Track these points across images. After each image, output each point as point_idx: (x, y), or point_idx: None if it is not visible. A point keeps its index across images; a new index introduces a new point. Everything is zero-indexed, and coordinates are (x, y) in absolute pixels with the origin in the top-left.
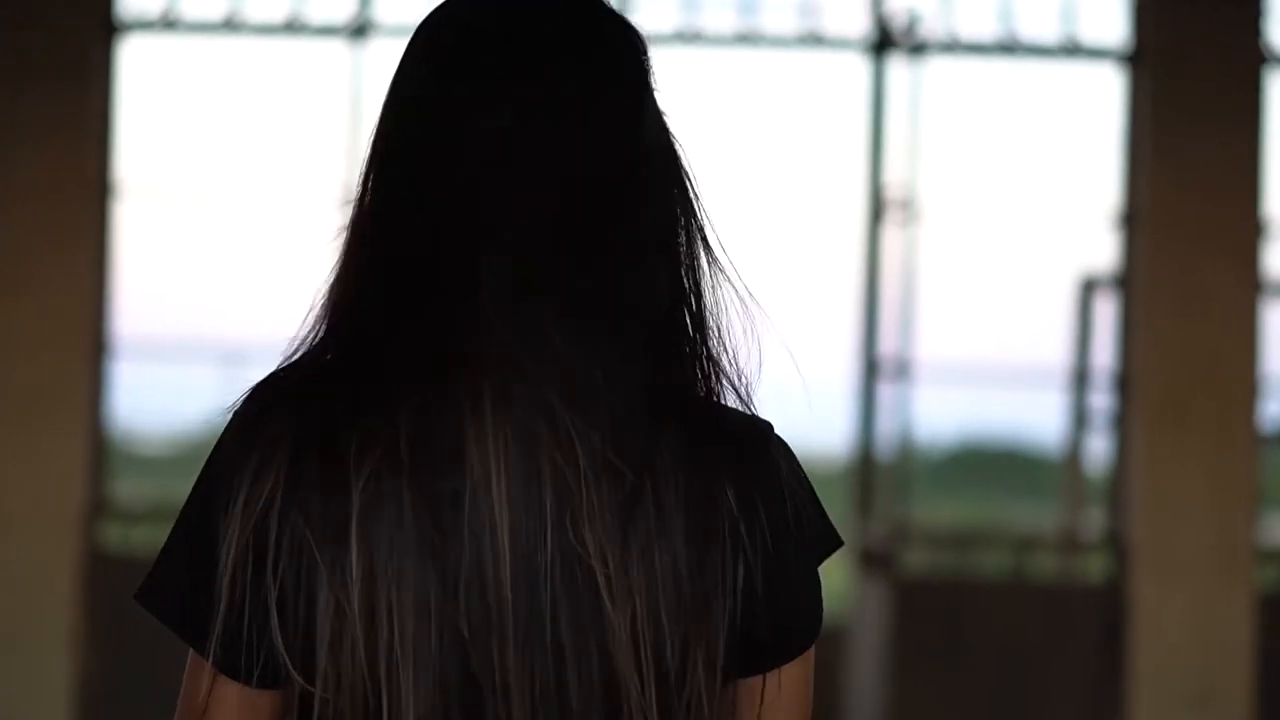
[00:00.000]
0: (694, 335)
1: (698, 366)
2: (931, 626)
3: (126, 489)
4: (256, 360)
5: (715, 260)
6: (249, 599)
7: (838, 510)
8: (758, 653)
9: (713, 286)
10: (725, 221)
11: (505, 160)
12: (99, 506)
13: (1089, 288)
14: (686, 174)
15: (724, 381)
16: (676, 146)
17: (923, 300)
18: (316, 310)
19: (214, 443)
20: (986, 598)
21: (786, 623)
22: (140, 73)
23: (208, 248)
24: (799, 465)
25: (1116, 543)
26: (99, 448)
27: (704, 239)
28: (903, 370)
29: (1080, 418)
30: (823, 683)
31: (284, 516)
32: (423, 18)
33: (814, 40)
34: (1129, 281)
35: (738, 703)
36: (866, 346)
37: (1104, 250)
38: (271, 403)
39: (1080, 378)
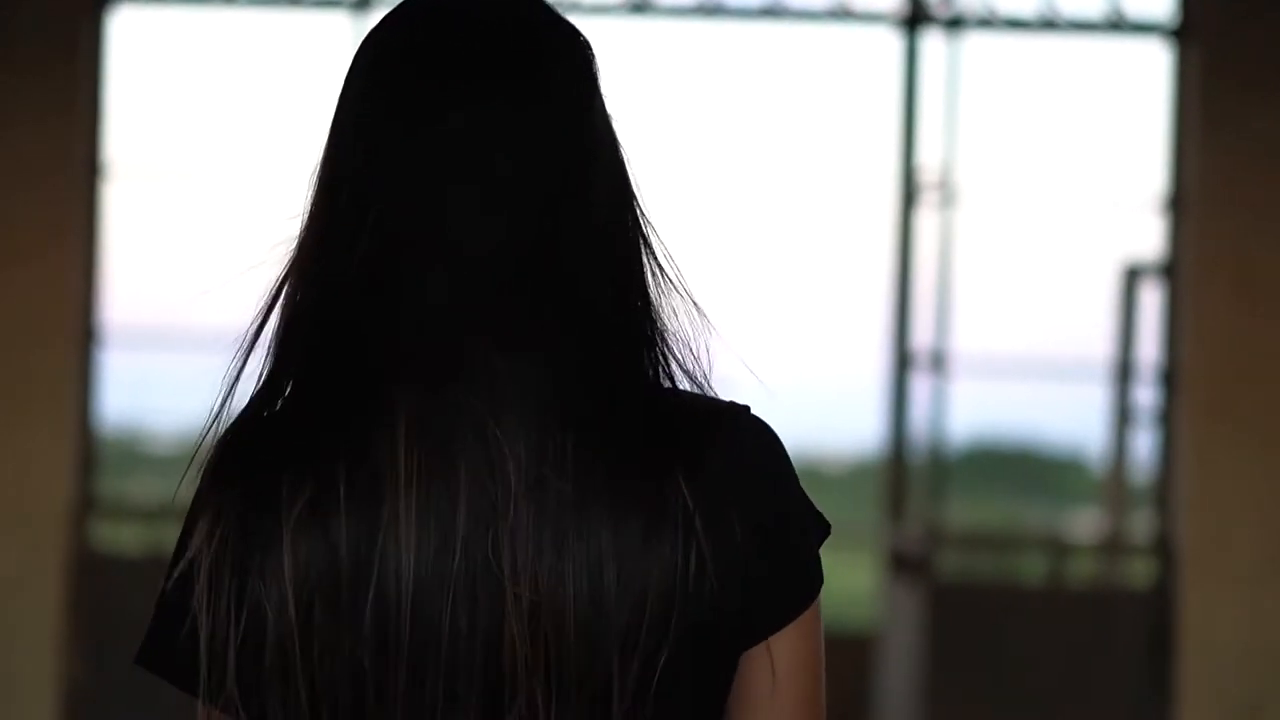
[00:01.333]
0: (646, 329)
1: (653, 359)
2: (967, 633)
3: (135, 488)
4: (263, 350)
5: (660, 265)
6: (217, 648)
7: (867, 511)
8: (735, 634)
9: (661, 291)
10: (743, 209)
11: (446, 172)
12: (87, 504)
13: (1133, 276)
14: (631, 180)
15: (678, 371)
16: (621, 151)
17: (959, 289)
18: (266, 343)
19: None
20: (1024, 603)
21: (757, 601)
22: (131, 48)
23: (204, 231)
24: (778, 446)
25: (1163, 546)
26: (87, 442)
27: (648, 244)
28: (938, 363)
29: (1124, 414)
30: (852, 690)
31: (227, 566)
32: (363, 36)
33: (843, 14)
34: (1176, 269)
35: (739, 687)
36: (898, 338)
37: (1149, 236)
38: (226, 458)
39: (1124, 372)
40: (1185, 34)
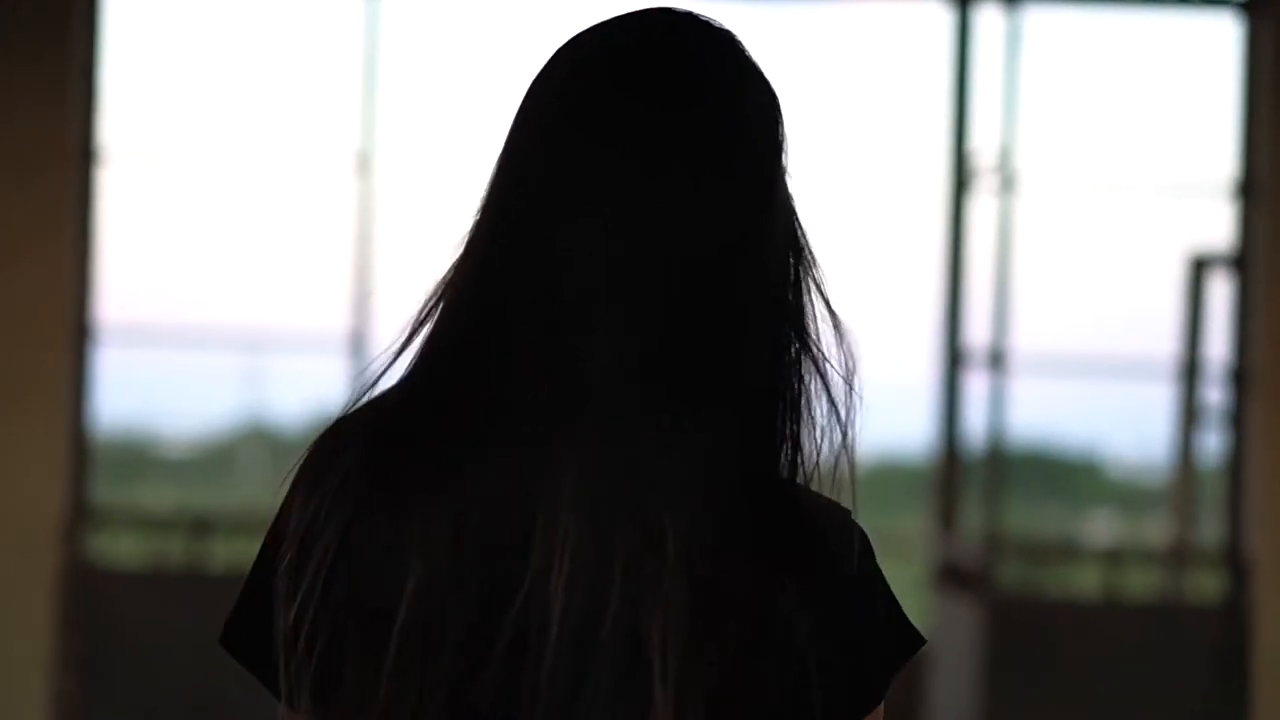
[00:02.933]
0: (787, 420)
1: (785, 452)
2: (1026, 651)
3: (147, 494)
4: (276, 349)
5: (814, 348)
6: (304, 653)
7: (908, 518)
8: None
9: (810, 371)
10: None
11: (617, 222)
12: (82, 512)
13: (1201, 267)
14: (807, 252)
15: (803, 468)
16: (798, 224)
17: (1017, 281)
18: (403, 337)
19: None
20: (1086, 618)
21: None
22: (126, 27)
23: (205, 221)
24: (874, 556)
25: (1233, 557)
26: (82, 446)
27: (803, 325)
28: (996, 361)
29: (1190, 416)
30: (901, 714)
31: (333, 581)
32: (561, 44)
33: None
34: (1246, 260)
35: None
36: (950, 334)
37: (1218, 224)
38: (338, 449)
39: (1190, 370)
40: (1258, 6)
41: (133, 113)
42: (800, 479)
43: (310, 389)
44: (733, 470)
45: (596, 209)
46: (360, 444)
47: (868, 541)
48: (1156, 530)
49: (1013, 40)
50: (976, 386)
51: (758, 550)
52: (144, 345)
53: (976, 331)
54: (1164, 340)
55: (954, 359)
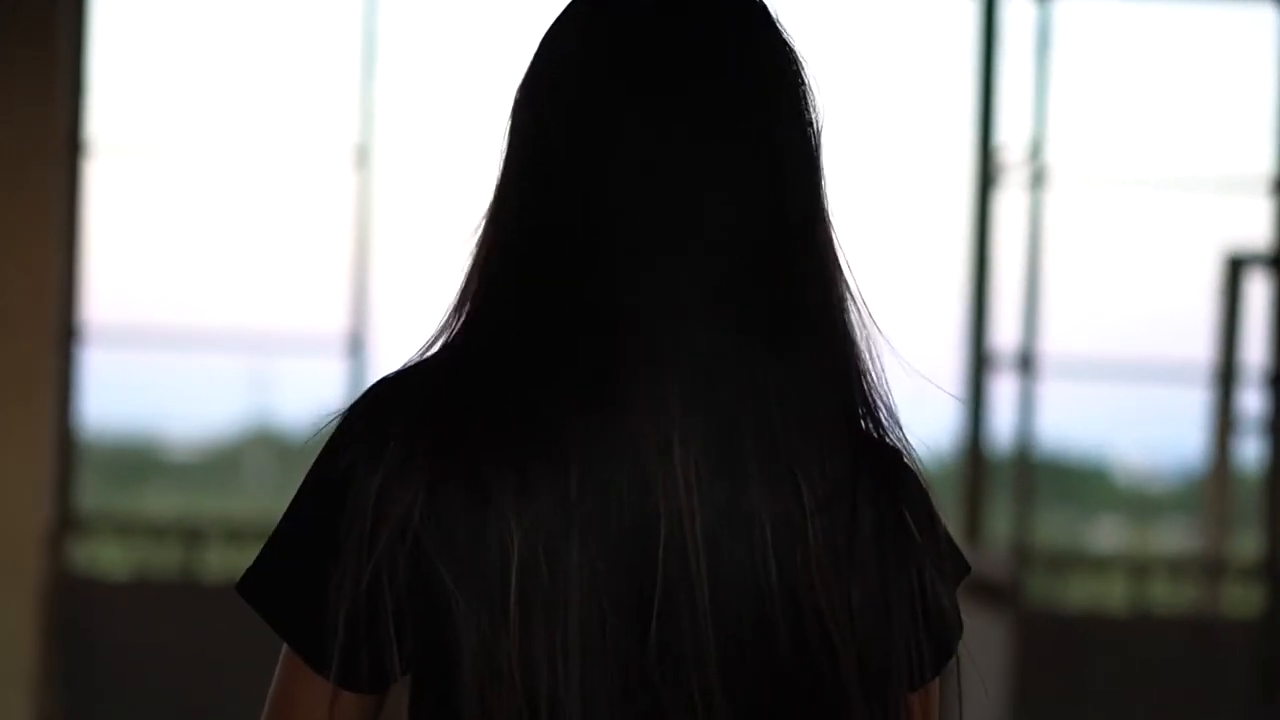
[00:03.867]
0: (862, 358)
1: (863, 387)
2: (1056, 666)
3: (154, 502)
4: (281, 351)
5: (861, 298)
6: (372, 617)
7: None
8: (917, 672)
9: (860, 313)
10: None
11: (668, 174)
12: (66, 521)
13: (1237, 266)
14: (826, 208)
15: (879, 404)
16: (820, 172)
17: (1047, 281)
18: (453, 301)
19: (324, 446)
20: (1116, 631)
21: (936, 645)
22: (116, 15)
23: (199, 217)
24: (931, 493)
25: (1272, 569)
26: (67, 452)
27: (846, 277)
28: (1025, 364)
29: (1225, 421)
30: None
31: (419, 554)
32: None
33: None
34: None
35: None
36: (974, 335)
37: (1256, 221)
38: (395, 410)
39: (1226, 373)
40: None
41: (122, 104)
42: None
43: (316, 391)
44: (834, 405)
45: (646, 160)
46: (424, 405)
47: (926, 481)
48: (1165, 538)
49: (1043, 31)
50: (1003, 390)
51: (876, 489)
52: (148, 348)
53: (1003, 333)
54: (1197, 343)
55: (979, 362)
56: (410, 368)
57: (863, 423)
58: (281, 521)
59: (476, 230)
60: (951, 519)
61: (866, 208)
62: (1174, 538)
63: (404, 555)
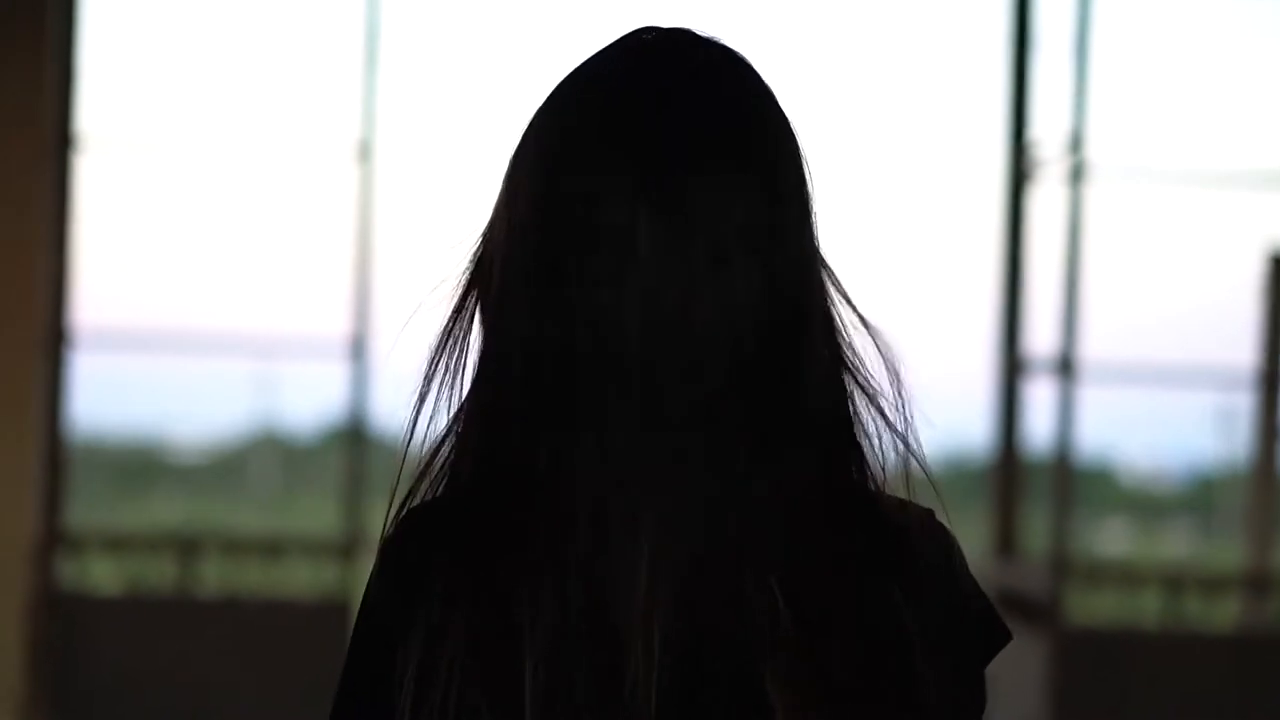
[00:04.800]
0: (850, 436)
1: (855, 468)
2: (1098, 687)
3: (161, 508)
4: (285, 354)
5: (853, 361)
6: None
7: (974, 543)
8: None
9: (855, 385)
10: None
11: (657, 272)
12: (54, 535)
13: None
14: (828, 262)
15: (874, 480)
16: (816, 235)
17: (1087, 281)
18: (449, 418)
19: (366, 588)
20: (1160, 649)
21: None
22: (110, 7)
23: (199, 214)
24: (960, 550)
25: None
26: (56, 463)
27: (841, 340)
28: (1063, 367)
29: (1269, 426)
30: None
31: (460, 687)
32: (569, 72)
33: None
34: None
35: None
36: (1007, 338)
37: None
38: (428, 547)
39: (1271, 376)
40: None
41: (116, 97)
42: (873, 488)
43: (321, 395)
44: (815, 493)
45: (631, 261)
46: (450, 541)
47: (951, 537)
48: (1173, 541)
49: (1083, 20)
50: (1038, 396)
51: (859, 565)
52: (149, 351)
53: (1039, 336)
54: (1239, 345)
55: (1011, 366)
56: (429, 505)
57: (866, 502)
58: (343, 673)
59: (453, 321)
60: (983, 533)
61: (897, 207)
62: (1181, 540)
63: (462, 699)
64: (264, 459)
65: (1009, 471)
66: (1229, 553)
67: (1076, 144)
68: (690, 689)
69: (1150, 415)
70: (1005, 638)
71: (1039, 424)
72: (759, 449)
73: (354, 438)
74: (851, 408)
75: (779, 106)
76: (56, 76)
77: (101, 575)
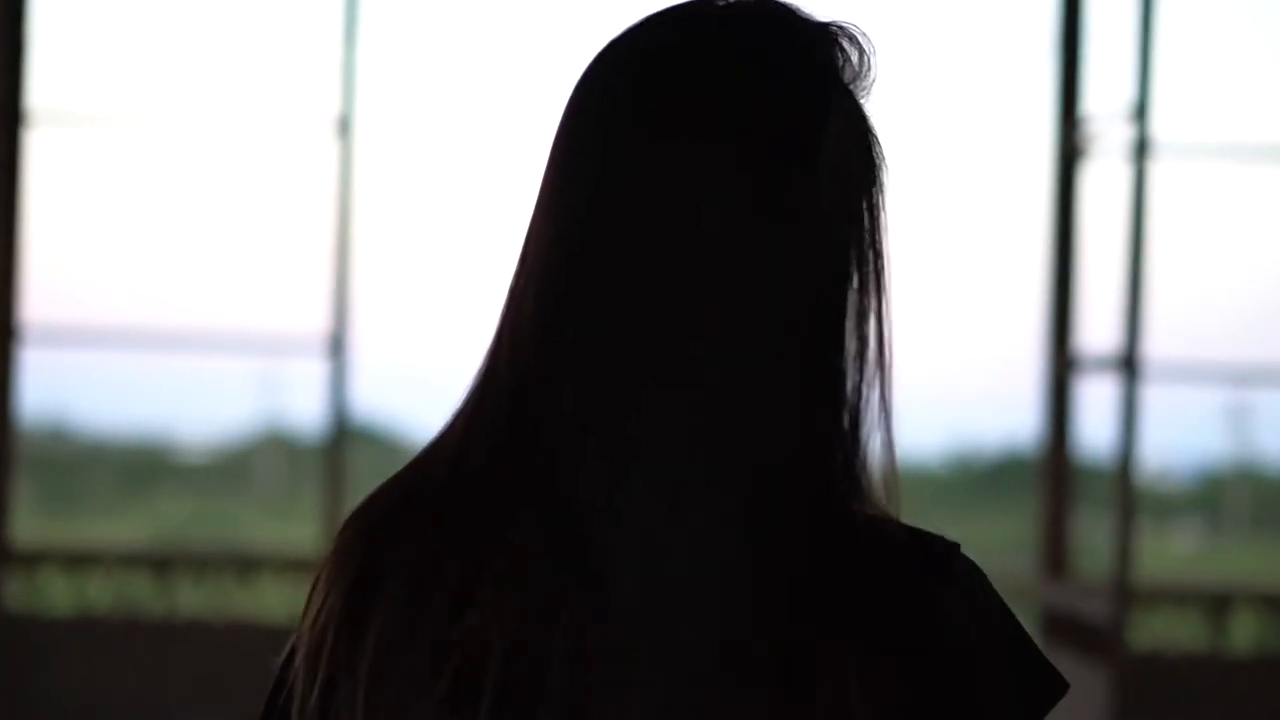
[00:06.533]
0: (850, 447)
1: (851, 481)
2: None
3: (166, 507)
4: (298, 353)
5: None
6: None
7: (1022, 558)
8: None
9: (874, 388)
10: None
11: (688, 267)
12: (1, 552)
13: None
14: (870, 267)
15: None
16: (866, 237)
17: (1151, 269)
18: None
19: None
20: (1231, 676)
21: None
22: None
23: (158, 196)
24: (992, 593)
25: None
26: (2, 470)
27: (881, 339)
28: (1126, 364)
29: None
30: None
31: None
32: (604, 46)
33: None
34: None
35: None
36: (1056, 333)
37: None
38: (352, 539)
39: None
40: None
41: (70, 69)
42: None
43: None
44: (797, 514)
45: (662, 257)
46: (397, 537)
47: (978, 577)
48: (1182, 541)
49: None
50: (1093, 395)
51: (830, 620)
52: (162, 350)
53: (1089, 328)
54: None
55: (1061, 363)
56: (382, 490)
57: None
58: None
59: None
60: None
61: (937, 188)
62: (1189, 540)
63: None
64: (270, 458)
65: (1059, 481)
66: (1237, 553)
67: (1141, 114)
68: None
69: (1154, 413)
70: (1062, 687)
71: (1092, 427)
72: (737, 463)
73: (334, 445)
74: (857, 425)
75: (864, 121)
76: (3, 48)
77: (57, 594)
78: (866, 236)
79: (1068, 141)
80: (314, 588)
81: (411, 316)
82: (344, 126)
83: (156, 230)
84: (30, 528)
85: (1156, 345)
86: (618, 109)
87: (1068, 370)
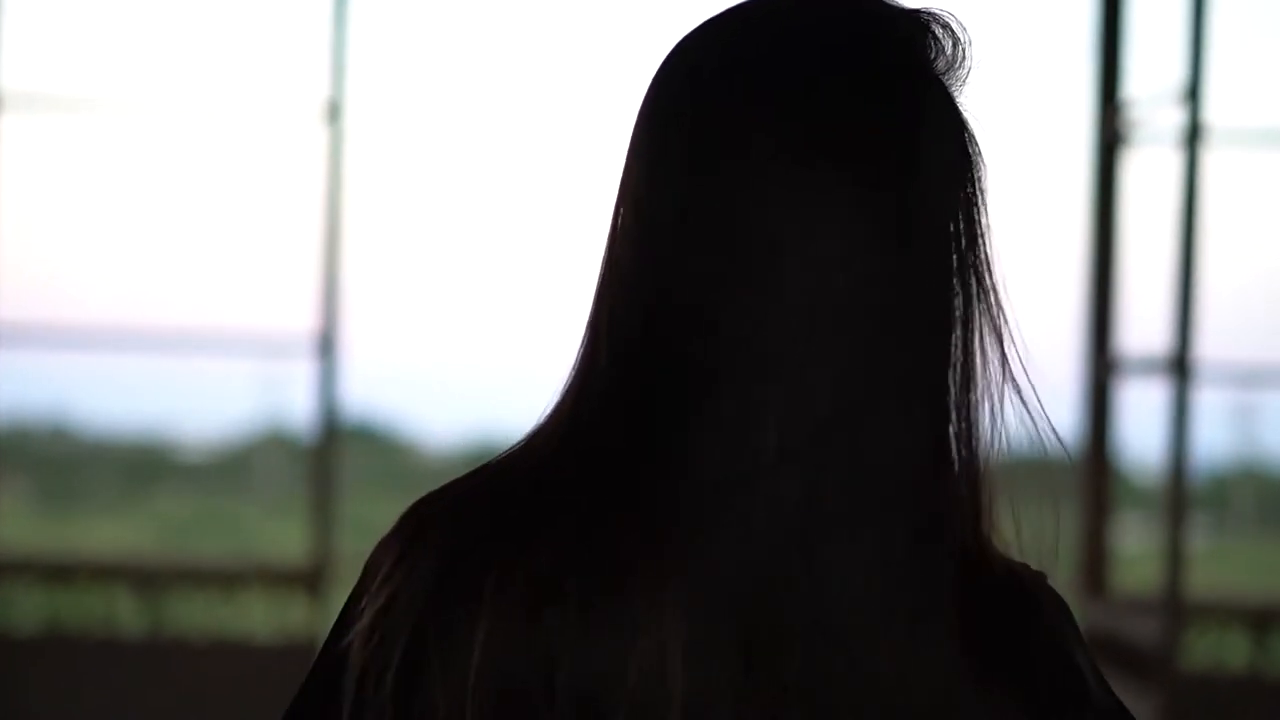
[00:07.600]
0: (962, 481)
1: (965, 521)
2: None
3: (166, 505)
4: (289, 353)
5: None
6: None
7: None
8: None
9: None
10: None
11: (795, 278)
12: None
13: None
14: (985, 287)
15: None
16: (978, 258)
17: (1200, 262)
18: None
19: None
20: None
21: None
22: None
23: (137, 182)
24: (1075, 626)
25: None
26: None
27: (1006, 360)
28: (1177, 367)
29: None
30: None
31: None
32: (684, 43)
33: None
34: None
35: None
36: (1095, 333)
37: None
38: (413, 537)
39: None
40: None
41: (40, 50)
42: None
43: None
44: (940, 560)
45: (768, 261)
46: (487, 527)
47: (1065, 610)
48: (1191, 537)
49: None
50: (1135, 399)
51: (982, 672)
52: (162, 350)
53: (1131, 329)
54: None
55: (1100, 365)
56: (446, 488)
57: (975, 566)
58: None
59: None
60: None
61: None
62: (1195, 539)
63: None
64: (270, 457)
65: (1100, 492)
66: (1243, 553)
67: (1193, 96)
68: None
69: (1154, 413)
70: None
71: (1134, 433)
72: (871, 486)
73: (325, 444)
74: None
75: (947, 104)
76: None
77: (29, 609)
78: (965, 242)
79: (1108, 127)
80: (381, 550)
81: (405, 312)
82: (333, 112)
83: (137, 221)
84: (31, 528)
85: (1156, 343)
86: (708, 119)
87: (1108, 373)
